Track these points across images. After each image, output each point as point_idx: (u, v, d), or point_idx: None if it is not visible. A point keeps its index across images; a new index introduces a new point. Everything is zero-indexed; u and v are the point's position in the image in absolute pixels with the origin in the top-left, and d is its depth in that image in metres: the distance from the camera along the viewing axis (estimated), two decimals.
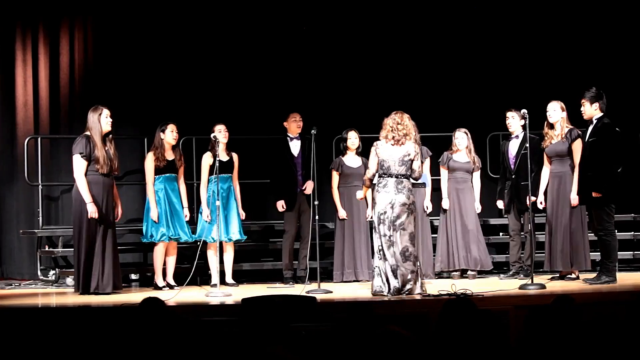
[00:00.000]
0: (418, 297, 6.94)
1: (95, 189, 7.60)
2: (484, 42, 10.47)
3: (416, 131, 7.79)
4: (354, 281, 8.64)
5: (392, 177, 7.13)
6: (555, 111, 8.14)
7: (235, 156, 8.65)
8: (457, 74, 10.40)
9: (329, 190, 9.07)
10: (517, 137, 8.61)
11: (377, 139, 7.36)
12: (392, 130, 7.20)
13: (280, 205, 8.69)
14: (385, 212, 7.09)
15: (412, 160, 7.16)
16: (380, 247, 7.11)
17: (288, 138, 8.80)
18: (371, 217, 8.84)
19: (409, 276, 7.03)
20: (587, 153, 7.72)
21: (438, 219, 9.00)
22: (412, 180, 7.28)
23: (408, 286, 7.02)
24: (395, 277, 7.02)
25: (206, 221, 8.34)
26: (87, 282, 7.53)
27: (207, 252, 8.40)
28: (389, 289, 7.02)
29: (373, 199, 7.25)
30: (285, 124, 8.83)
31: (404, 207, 7.08)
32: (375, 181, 7.32)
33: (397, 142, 7.16)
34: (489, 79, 10.39)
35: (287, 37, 10.31)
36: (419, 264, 7.15)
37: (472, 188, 8.83)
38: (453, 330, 3.81)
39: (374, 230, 7.23)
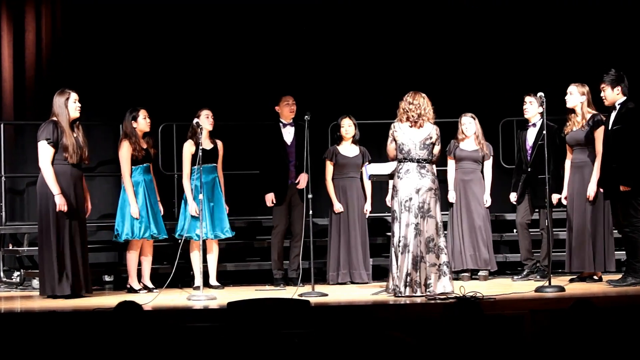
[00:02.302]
0: (438, 297, 6.90)
1: (63, 180, 7.55)
2: (495, 18, 10.43)
3: (432, 110, 7.62)
4: (350, 283, 8.65)
5: (413, 161, 7.20)
6: (572, 94, 8.11)
7: (220, 144, 8.62)
8: (465, 54, 10.37)
9: (324, 182, 9.06)
10: (534, 125, 8.59)
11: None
12: (405, 112, 7.26)
13: (270, 199, 8.66)
14: (410, 199, 7.13)
15: (433, 144, 7.24)
16: (400, 239, 7.10)
17: (281, 124, 8.78)
18: (370, 212, 8.89)
19: (431, 270, 7.05)
20: (611, 142, 7.69)
21: (446, 214, 9.00)
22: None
23: (429, 281, 7.04)
24: (417, 270, 7.04)
25: (193, 217, 8.25)
26: (55, 285, 7.50)
27: (191, 251, 8.40)
28: (406, 285, 7.02)
29: (394, 186, 7.27)
30: (277, 108, 8.78)
31: (431, 192, 7.16)
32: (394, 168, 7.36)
33: (415, 124, 7.21)
34: (501, 58, 10.35)
35: (279, 14, 10.27)
36: (444, 259, 7.15)
37: (481, 179, 8.83)
38: (457, 335, 3.83)
39: (395, 221, 7.21)
